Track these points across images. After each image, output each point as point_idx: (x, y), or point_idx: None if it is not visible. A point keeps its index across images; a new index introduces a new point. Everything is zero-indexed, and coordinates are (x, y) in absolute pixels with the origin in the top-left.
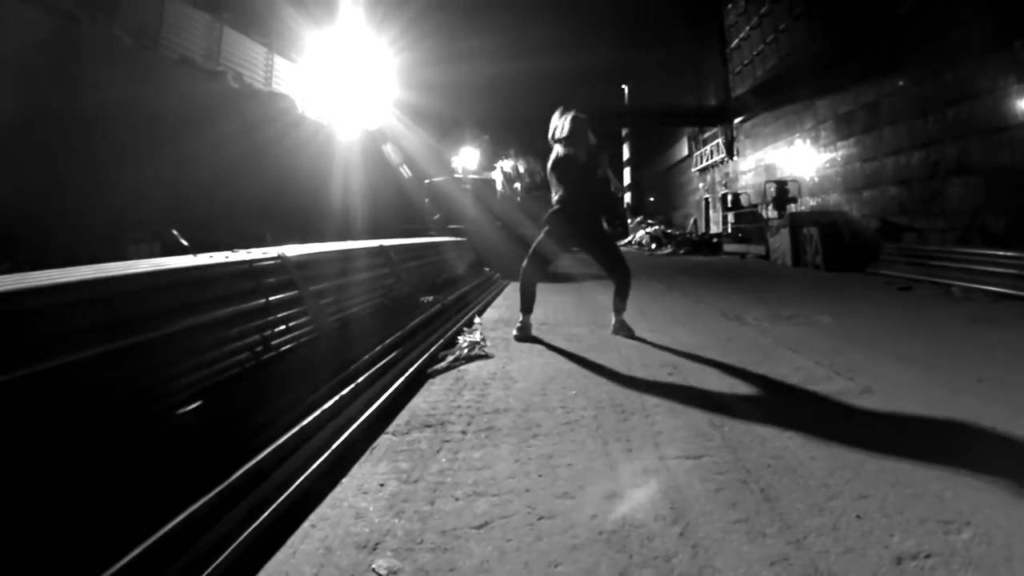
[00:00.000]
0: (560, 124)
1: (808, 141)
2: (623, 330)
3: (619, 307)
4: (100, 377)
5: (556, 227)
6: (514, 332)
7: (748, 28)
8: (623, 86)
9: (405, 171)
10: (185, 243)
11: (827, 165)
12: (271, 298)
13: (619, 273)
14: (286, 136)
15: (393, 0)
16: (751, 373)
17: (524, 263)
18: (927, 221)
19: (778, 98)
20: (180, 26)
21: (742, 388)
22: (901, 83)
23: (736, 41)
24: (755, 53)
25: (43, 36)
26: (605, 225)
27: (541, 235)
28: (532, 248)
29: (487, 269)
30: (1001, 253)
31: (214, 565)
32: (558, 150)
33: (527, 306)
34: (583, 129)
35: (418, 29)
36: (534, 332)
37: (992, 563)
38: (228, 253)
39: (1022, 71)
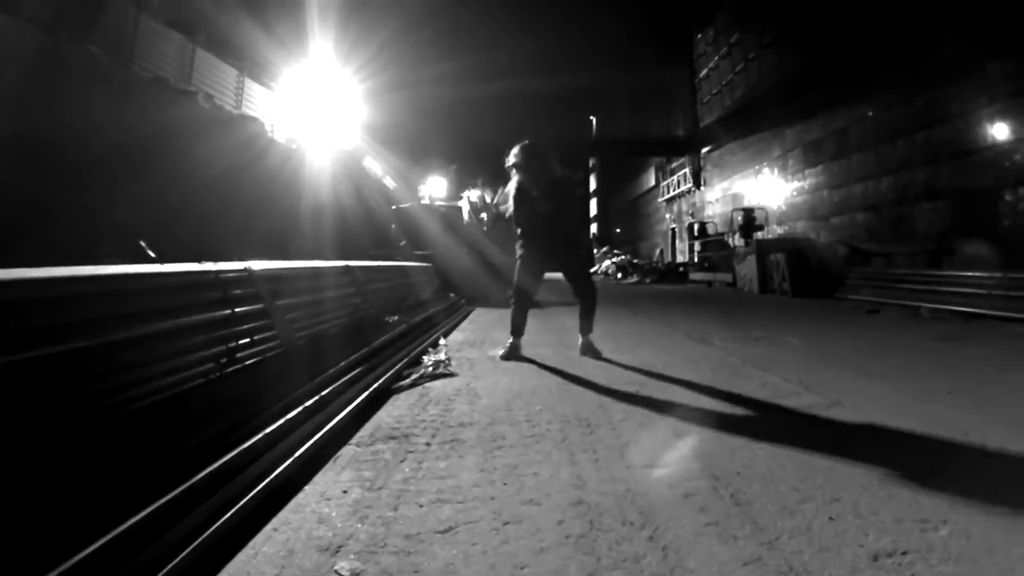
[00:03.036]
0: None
1: (776, 169)
2: (590, 351)
3: (585, 328)
4: (61, 377)
5: (532, 245)
6: (501, 351)
7: (717, 58)
8: (591, 117)
9: (389, 182)
10: (152, 254)
11: (795, 193)
12: (237, 310)
13: (586, 292)
14: (257, 160)
15: (362, 27)
16: (718, 389)
17: (512, 305)
18: (896, 246)
19: (746, 127)
20: (154, 45)
21: (710, 403)
22: (870, 112)
23: (705, 71)
24: (724, 82)
25: (18, 50)
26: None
27: (519, 266)
28: (515, 287)
29: (452, 295)
30: (969, 273)
31: (172, 564)
32: (521, 191)
33: (517, 330)
34: (539, 165)
35: (388, 54)
36: (501, 353)
37: (972, 556)
38: (195, 264)
39: (994, 93)
